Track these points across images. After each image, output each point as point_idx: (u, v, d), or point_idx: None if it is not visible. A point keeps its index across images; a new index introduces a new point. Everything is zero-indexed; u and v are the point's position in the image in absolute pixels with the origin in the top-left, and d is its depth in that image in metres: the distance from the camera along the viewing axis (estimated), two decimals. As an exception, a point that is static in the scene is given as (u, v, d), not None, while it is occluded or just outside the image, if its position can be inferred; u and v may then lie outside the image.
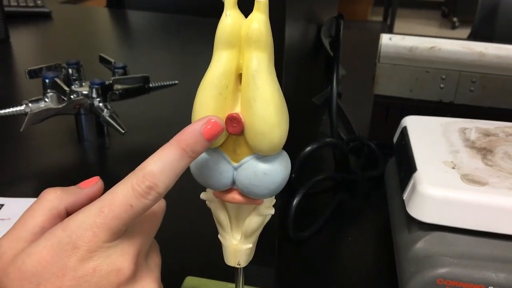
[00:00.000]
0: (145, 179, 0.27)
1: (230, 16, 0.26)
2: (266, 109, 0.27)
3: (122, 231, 0.28)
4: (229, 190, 0.30)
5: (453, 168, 0.43)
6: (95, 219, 0.27)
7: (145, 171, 0.27)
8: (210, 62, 0.27)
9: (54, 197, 0.30)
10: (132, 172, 0.27)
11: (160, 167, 0.27)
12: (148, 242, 0.31)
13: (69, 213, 0.29)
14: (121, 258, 0.28)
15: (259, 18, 0.26)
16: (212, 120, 0.27)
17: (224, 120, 0.28)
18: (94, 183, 0.32)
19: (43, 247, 0.27)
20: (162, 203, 0.32)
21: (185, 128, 0.28)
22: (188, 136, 0.27)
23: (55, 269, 0.26)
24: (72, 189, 0.31)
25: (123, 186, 0.27)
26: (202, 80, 0.28)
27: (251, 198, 0.30)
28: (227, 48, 0.27)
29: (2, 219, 0.54)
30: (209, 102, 0.27)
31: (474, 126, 0.51)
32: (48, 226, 0.28)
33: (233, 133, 0.28)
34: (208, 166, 0.29)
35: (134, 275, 0.28)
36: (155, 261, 0.31)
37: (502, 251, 0.39)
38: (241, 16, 0.27)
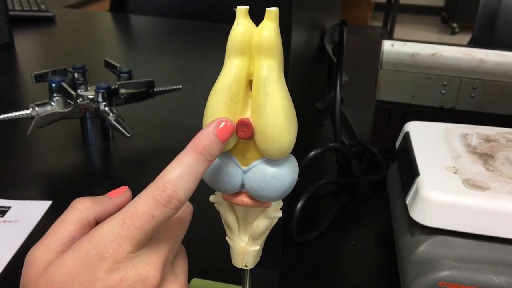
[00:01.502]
0: (165, 188, 0.27)
1: (242, 25, 0.27)
2: (276, 114, 0.28)
3: (147, 241, 0.28)
4: (238, 193, 0.31)
5: (455, 173, 0.44)
6: (119, 230, 0.27)
7: (164, 180, 0.27)
8: (222, 69, 0.28)
9: (84, 207, 0.30)
10: (152, 182, 0.28)
11: (179, 174, 0.27)
12: (174, 249, 0.31)
13: (98, 222, 0.30)
14: (147, 267, 0.28)
15: (270, 27, 0.27)
16: (223, 121, 0.28)
17: (235, 125, 0.29)
18: (122, 193, 0.32)
19: (71, 259, 0.28)
20: (188, 208, 0.33)
21: (198, 133, 0.28)
22: (203, 139, 0.28)
23: (83, 281, 0.27)
24: (101, 198, 0.31)
25: (144, 196, 0.28)
26: (214, 86, 0.28)
27: (260, 201, 0.31)
28: (238, 55, 0.28)
29: (10, 221, 0.55)
30: (220, 107, 0.28)
31: (475, 132, 0.52)
32: (78, 235, 0.29)
33: (243, 137, 0.29)
34: (218, 169, 0.30)
35: (160, 284, 0.29)
36: (181, 268, 0.31)
37: (503, 254, 0.40)
38: (252, 24, 0.28)
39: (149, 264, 0.28)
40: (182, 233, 0.31)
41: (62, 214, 0.30)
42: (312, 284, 0.49)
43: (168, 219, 0.28)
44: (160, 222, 0.28)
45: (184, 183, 0.27)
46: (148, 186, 0.28)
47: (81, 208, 0.30)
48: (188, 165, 0.28)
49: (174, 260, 0.31)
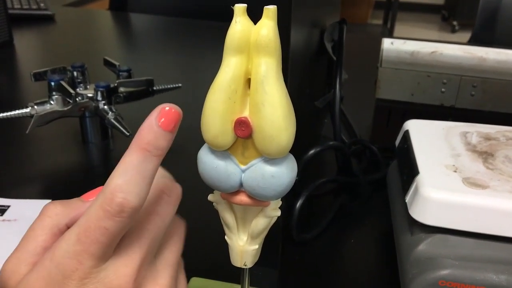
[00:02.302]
0: (113, 196, 0.24)
1: (240, 23, 0.27)
2: (274, 113, 0.27)
3: (110, 252, 0.26)
4: (236, 192, 0.31)
5: (455, 171, 0.44)
6: (76, 247, 0.25)
7: (111, 187, 0.25)
8: (220, 67, 0.28)
9: (54, 214, 0.28)
10: (101, 191, 0.25)
11: (126, 178, 0.25)
12: (152, 247, 0.28)
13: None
14: (117, 280, 0.26)
15: (268, 25, 0.27)
16: (166, 109, 0.25)
17: (233, 124, 0.29)
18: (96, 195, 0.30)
19: (35, 279, 0.26)
20: (169, 207, 0.30)
21: (140, 127, 0.25)
22: (146, 133, 0.25)
23: None
24: (73, 202, 0.29)
25: (94, 208, 0.25)
26: (212, 84, 0.28)
27: (258, 200, 0.31)
28: (236, 53, 0.28)
29: (9, 220, 0.55)
30: (219, 106, 0.28)
31: (475, 130, 0.52)
32: (50, 245, 0.27)
33: (241, 136, 0.29)
34: (216, 168, 0.30)
35: None
36: (167, 260, 0.29)
37: (503, 253, 0.40)
38: (250, 22, 0.28)
39: (118, 277, 0.26)
40: (158, 226, 0.28)
41: (33, 222, 0.28)
42: (312, 283, 0.49)
43: (126, 228, 0.26)
44: (117, 232, 0.25)
45: (134, 187, 0.25)
46: (97, 195, 0.25)
47: (52, 215, 0.28)
48: (134, 166, 0.25)
49: (159, 254, 0.29)
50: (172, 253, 0.30)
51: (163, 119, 0.25)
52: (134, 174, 0.25)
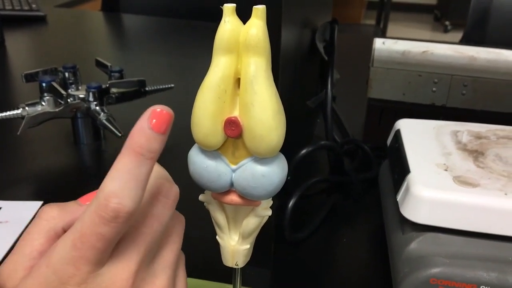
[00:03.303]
0: (108, 202, 0.24)
1: (229, 23, 0.27)
2: (263, 113, 0.27)
3: (106, 257, 0.26)
4: (227, 192, 0.31)
5: (446, 170, 0.44)
6: (72, 253, 0.25)
7: (105, 193, 0.24)
8: (209, 67, 0.28)
9: (51, 217, 0.28)
10: (95, 196, 0.25)
11: (120, 183, 0.24)
12: (150, 249, 0.28)
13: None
14: (114, 284, 0.26)
15: (257, 24, 0.27)
16: (158, 110, 0.25)
17: (223, 124, 0.29)
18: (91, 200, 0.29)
19: (32, 285, 0.25)
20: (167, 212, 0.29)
21: (132, 130, 0.25)
22: (138, 136, 0.25)
23: None
24: (70, 206, 0.28)
25: (88, 214, 0.25)
26: (201, 84, 0.28)
27: (249, 200, 0.31)
28: (225, 53, 0.28)
29: (0, 222, 0.54)
30: (208, 105, 0.28)
31: (466, 129, 0.52)
32: (47, 249, 0.27)
33: (231, 136, 0.29)
34: (207, 168, 0.30)
35: None
36: (165, 262, 0.29)
37: (494, 251, 0.40)
38: (240, 22, 0.28)
39: (115, 282, 0.26)
40: (155, 229, 0.27)
41: (29, 225, 0.28)
42: (305, 282, 0.49)
43: (122, 232, 0.25)
44: (113, 237, 0.25)
45: (128, 191, 0.24)
46: (92, 200, 0.25)
47: (48, 218, 0.28)
48: (128, 170, 0.24)
49: (157, 254, 0.29)
50: (170, 252, 0.29)
51: (154, 120, 0.25)
52: (128, 178, 0.24)
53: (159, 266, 0.28)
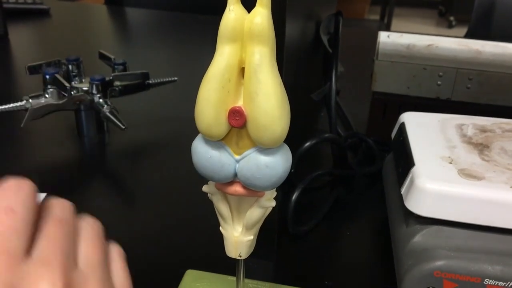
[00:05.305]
0: None
1: (233, 11, 0.27)
2: (268, 102, 0.27)
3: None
4: (231, 183, 0.31)
5: (450, 163, 0.44)
6: None
7: None
8: (213, 57, 0.28)
9: None
10: None
11: None
12: (65, 255, 0.25)
13: None
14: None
15: (262, 13, 0.27)
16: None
17: (227, 114, 0.28)
18: None
19: None
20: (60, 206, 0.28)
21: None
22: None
23: None
24: None
25: None
26: (205, 74, 0.28)
27: (253, 190, 0.31)
28: (230, 42, 0.27)
29: (4, 214, 0.54)
30: (212, 95, 0.28)
31: (471, 122, 0.52)
32: None
33: (235, 126, 0.29)
34: (210, 159, 0.30)
35: None
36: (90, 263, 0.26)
37: (498, 244, 0.40)
38: (244, 11, 0.27)
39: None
40: (63, 231, 0.26)
41: None
42: (308, 274, 0.49)
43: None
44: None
45: None
46: None
47: None
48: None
49: (77, 258, 0.26)
50: (92, 253, 0.27)
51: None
52: None
53: (86, 269, 0.26)
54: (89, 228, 0.29)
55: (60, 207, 0.28)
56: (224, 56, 0.27)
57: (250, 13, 0.27)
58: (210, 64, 0.28)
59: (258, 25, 0.27)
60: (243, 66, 0.28)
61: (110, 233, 0.53)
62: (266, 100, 0.27)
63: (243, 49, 0.28)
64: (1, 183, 0.24)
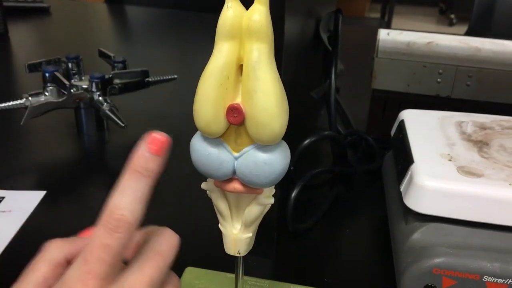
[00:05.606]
0: (112, 213, 0.27)
1: (231, 8, 0.27)
2: (266, 99, 0.27)
3: (113, 273, 0.28)
4: (229, 180, 0.31)
5: (450, 160, 0.44)
6: (81, 268, 0.27)
7: (110, 206, 0.27)
8: (212, 54, 0.28)
9: (53, 248, 0.30)
10: (103, 212, 0.28)
11: (122, 197, 0.28)
12: (154, 283, 0.29)
13: (69, 262, 0.30)
14: None
15: (260, 10, 0.26)
16: (155, 136, 0.28)
17: (226, 111, 0.28)
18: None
19: None
20: (171, 239, 0.31)
21: (134, 152, 0.29)
22: (137, 158, 0.28)
23: None
24: (72, 239, 0.31)
25: (96, 229, 0.28)
26: (204, 71, 0.28)
27: (251, 188, 0.31)
28: (228, 39, 0.27)
29: (3, 211, 0.54)
30: (210, 92, 0.28)
31: (471, 119, 0.52)
32: (51, 276, 0.29)
33: (234, 123, 0.29)
34: (209, 156, 0.30)
35: None
36: None
37: (497, 241, 0.40)
38: (242, 8, 0.27)
39: None
40: (160, 268, 0.29)
41: (35, 257, 0.30)
42: (307, 272, 0.49)
43: (125, 245, 0.28)
44: (118, 250, 0.27)
45: (129, 204, 0.27)
46: (99, 218, 0.28)
47: (51, 249, 0.30)
48: (128, 186, 0.28)
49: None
50: None
51: (152, 145, 0.28)
52: (129, 194, 0.28)
53: None
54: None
55: (167, 245, 0.31)
56: (222, 53, 0.27)
57: (248, 10, 0.27)
58: (209, 62, 0.28)
59: (256, 22, 0.27)
60: (241, 63, 0.28)
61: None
62: (265, 97, 0.27)
63: (241, 46, 0.28)
64: (107, 221, 0.27)
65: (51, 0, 1.38)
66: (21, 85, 0.91)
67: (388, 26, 2.91)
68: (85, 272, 0.27)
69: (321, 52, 0.66)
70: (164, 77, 0.74)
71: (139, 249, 0.30)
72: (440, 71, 0.65)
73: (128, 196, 0.27)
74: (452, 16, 4.14)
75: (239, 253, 0.34)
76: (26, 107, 0.63)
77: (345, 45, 0.68)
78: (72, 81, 0.69)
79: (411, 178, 0.42)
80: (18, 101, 0.64)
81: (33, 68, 0.70)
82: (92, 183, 0.62)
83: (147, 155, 0.28)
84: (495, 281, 0.38)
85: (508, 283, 0.38)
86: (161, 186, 0.62)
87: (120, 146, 0.70)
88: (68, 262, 0.30)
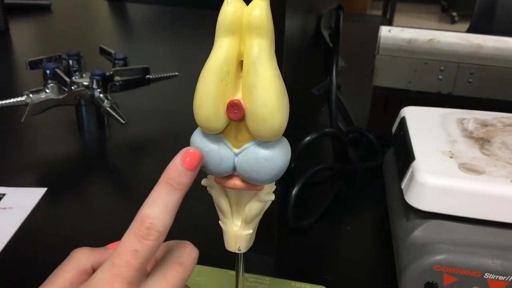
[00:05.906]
0: (143, 222, 0.28)
1: (232, 4, 0.27)
2: (266, 95, 0.27)
3: (138, 278, 0.29)
4: (230, 176, 0.31)
5: (451, 157, 0.44)
6: (109, 271, 0.28)
7: (141, 215, 0.29)
8: (212, 49, 0.28)
9: (81, 255, 0.32)
10: (133, 220, 0.29)
11: (153, 207, 0.29)
12: None
13: (95, 270, 0.30)
14: None
15: (261, 5, 0.26)
16: (190, 151, 0.29)
17: (226, 107, 0.28)
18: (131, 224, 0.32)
19: None
20: (193, 253, 0.32)
21: (168, 165, 0.29)
22: (171, 171, 0.29)
23: None
24: (99, 249, 0.33)
25: (127, 234, 0.29)
26: (204, 67, 0.28)
27: (252, 184, 0.31)
28: (228, 35, 0.27)
29: (4, 208, 0.54)
30: (211, 88, 0.28)
31: (472, 116, 0.52)
32: (76, 281, 0.30)
33: (234, 119, 0.28)
34: (209, 152, 0.30)
35: None
36: None
37: (498, 238, 0.40)
38: (243, 3, 0.27)
39: None
40: (181, 279, 0.31)
41: (62, 262, 0.32)
42: (308, 269, 0.48)
43: (153, 252, 0.29)
44: (146, 256, 0.28)
45: (159, 214, 0.28)
46: (130, 226, 0.29)
47: (79, 256, 0.32)
48: (160, 197, 0.29)
49: None
50: None
51: (187, 159, 0.29)
52: (160, 204, 0.29)
53: None
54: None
55: (188, 253, 0.32)
56: (222, 49, 0.27)
57: (249, 5, 0.27)
58: (209, 57, 0.28)
59: (257, 18, 0.26)
60: (242, 59, 0.28)
61: (110, 228, 0.53)
62: (265, 93, 0.27)
63: (242, 42, 0.28)
64: (137, 228, 0.28)
65: (52, -3, 1.38)
66: (22, 82, 0.91)
67: (390, 23, 2.91)
68: (113, 275, 0.28)
69: (322, 49, 0.66)
70: (165, 74, 0.74)
71: (161, 260, 0.31)
72: (442, 68, 0.65)
73: (159, 206, 0.29)
74: (454, 13, 4.13)
75: (240, 250, 0.34)
76: (26, 104, 0.63)
77: (346, 42, 0.68)
78: (73, 78, 0.69)
79: (412, 175, 0.42)
80: (19, 98, 0.64)
81: (33, 65, 0.70)
82: (92, 180, 0.62)
83: (180, 168, 0.29)
84: (496, 278, 0.38)
85: (510, 280, 0.38)
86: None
87: (121, 143, 0.70)
88: (94, 271, 0.31)
